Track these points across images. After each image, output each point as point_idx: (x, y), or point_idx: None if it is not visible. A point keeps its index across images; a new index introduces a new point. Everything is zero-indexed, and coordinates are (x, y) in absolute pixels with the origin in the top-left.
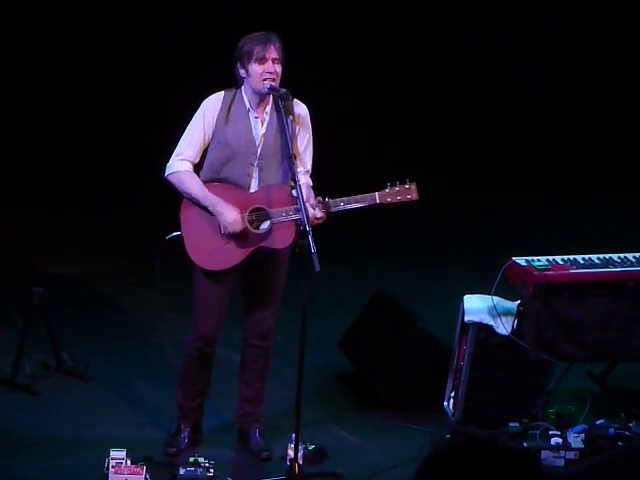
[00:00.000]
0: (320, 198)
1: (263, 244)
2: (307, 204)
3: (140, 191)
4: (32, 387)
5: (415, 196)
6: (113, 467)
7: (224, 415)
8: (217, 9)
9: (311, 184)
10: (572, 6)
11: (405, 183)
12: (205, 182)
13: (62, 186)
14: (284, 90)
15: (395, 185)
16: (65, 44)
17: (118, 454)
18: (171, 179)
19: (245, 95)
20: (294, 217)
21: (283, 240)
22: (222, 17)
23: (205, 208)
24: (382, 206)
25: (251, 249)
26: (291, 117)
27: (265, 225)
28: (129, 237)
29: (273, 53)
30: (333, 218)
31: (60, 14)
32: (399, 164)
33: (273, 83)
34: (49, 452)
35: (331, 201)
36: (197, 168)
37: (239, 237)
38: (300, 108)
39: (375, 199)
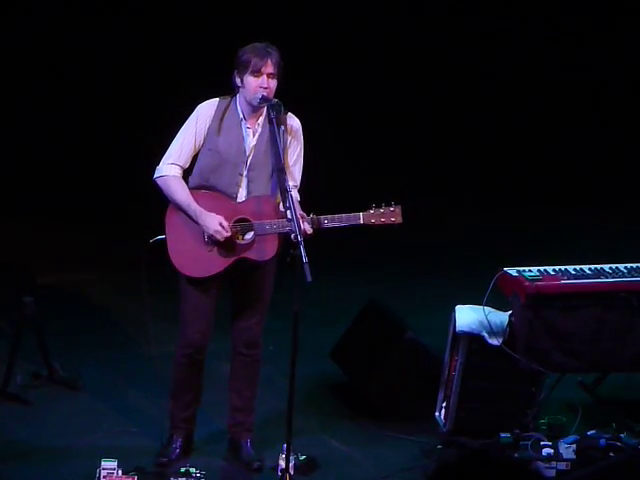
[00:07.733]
0: (304, 214)
1: (245, 255)
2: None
3: (137, 202)
4: (23, 397)
5: (399, 219)
6: (104, 477)
7: (215, 424)
8: (210, 22)
9: (299, 199)
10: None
11: (390, 205)
12: (193, 188)
13: (59, 196)
14: (276, 100)
15: (380, 207)
16: (62, 58)
17: (109, 464)
18: (158, 182)
19: (239, 104)
20: (278, 230)
21: (266, 252)
22: (216, 28)
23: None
24: (366, 227)
25: (233, 259)
26: (282, 127)
27: (249, 236)
28: (123, 247)
29: (269, 68)
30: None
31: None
32: (396, 179)
33: (265, 93)
34: (40, 462)
35: (315, 218)
36: (188, 173)
37: (222, 246)
38: (293, 121)
39: (359, 220)
